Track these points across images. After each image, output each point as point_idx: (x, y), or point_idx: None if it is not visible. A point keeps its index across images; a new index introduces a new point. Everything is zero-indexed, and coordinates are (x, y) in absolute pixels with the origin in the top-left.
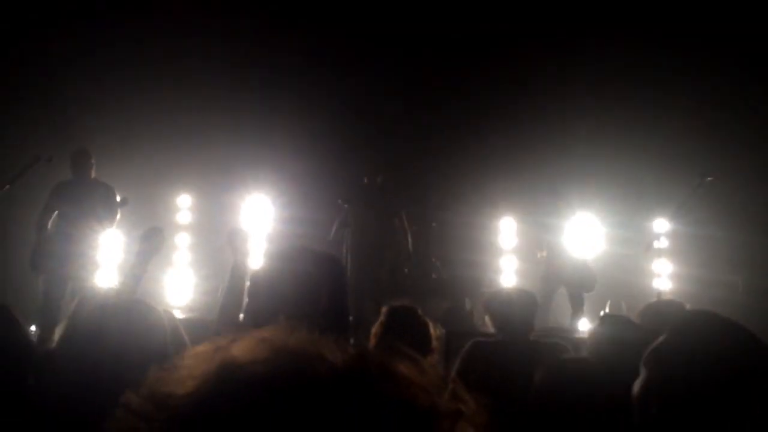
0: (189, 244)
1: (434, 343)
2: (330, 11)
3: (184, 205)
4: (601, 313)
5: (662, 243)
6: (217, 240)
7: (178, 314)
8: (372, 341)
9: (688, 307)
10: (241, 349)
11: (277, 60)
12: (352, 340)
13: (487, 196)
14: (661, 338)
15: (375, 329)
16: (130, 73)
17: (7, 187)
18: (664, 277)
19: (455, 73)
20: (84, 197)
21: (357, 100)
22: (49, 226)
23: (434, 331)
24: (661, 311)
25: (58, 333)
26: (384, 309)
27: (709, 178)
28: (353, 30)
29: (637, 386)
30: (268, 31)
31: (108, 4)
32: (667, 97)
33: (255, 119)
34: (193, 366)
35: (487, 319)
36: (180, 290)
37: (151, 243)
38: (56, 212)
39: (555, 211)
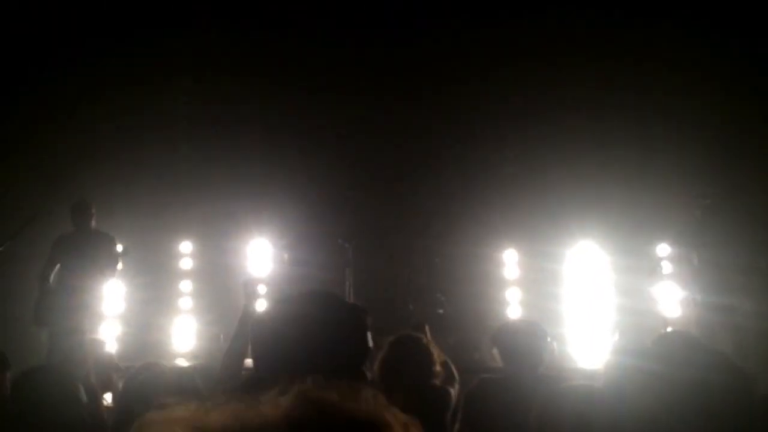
0: (191, 290)
1: (437, 368)
2: (327, 60)
3: (185, 251)
4: (613, 342)
5: (666, 268)
6: (220, 285)
7: (182, 361)
8: (378, 371)
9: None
10: None
11: (274, 106)
12: (368, 374)
13: (489, 227)
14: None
15: (379, 359)
16: (128, 120)
17: (8, 242)
18: (670, 302)
19: (452, 104)
20: (86, 248)
21: (354, 137)
22: (52, 278)
23: (438, 356)
24: (673, 344)
25: None
26: (389, 339)
27: (707, 201)
28: (348, 70)
29: None
30: (266, 81)
31: (102, 53)
32: (665, 119)
33: (254, 162)
34: None
35: (494, 352)
36: (184, 337)
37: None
38: (58, 265)
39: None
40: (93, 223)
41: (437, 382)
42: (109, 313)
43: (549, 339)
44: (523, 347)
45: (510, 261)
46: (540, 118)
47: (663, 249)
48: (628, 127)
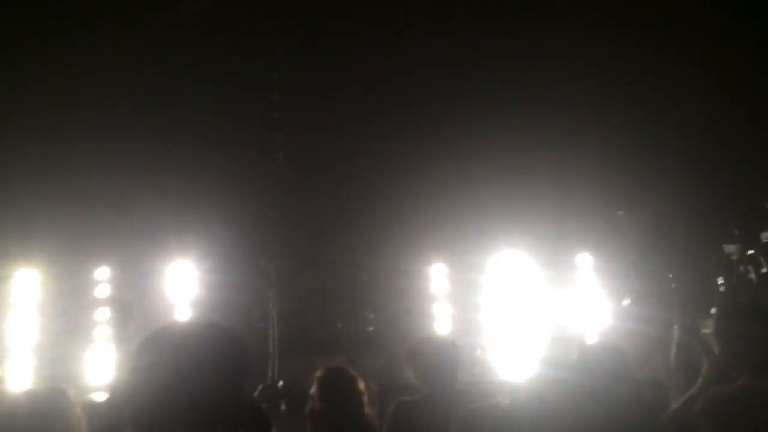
0: (109, 319)
1: (365, 398)
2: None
3: (102, 277)
4: (539, 353)
5: (589, 276)
6: (141, 312)
7: (100, 396)
8: (311, 407)
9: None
10: None
11: (193, 124)
12: (283, 405)
13: (416, 242)
14: None
15: (311, 397)
16: (36, 136)
17: None
18: (594, 311)
19: (374, 119)
20: None
21: (274, 155)
22: None
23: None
24: (594, 356)
25: None
26: (317, 374)
27: (619, 212)
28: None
29: None
30: (188, 97)
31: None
32: (585, 132)
33: (174, 181)
34: None
35: (411, 372)
36: (101, 369)
37: None
38: None
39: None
40: None
41: (367, 411)
42: (20, 345)
43: (466, 353)
44: (436, 365)
45: (437, 275)
46: (463, 129)
47: (584, 258)
48: (550, 138)
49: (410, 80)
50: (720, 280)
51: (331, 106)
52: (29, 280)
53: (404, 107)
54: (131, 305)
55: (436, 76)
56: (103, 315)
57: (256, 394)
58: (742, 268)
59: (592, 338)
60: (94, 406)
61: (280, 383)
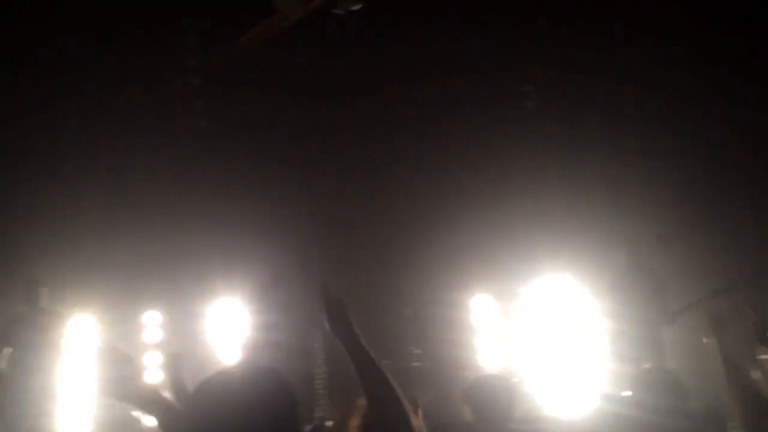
0: (160, 363)
1: None
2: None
3: (152, 322)
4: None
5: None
6: (191, 356)
7: None
8: None
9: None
10: None
11: (241, 160)
12: None
13: (458, 273)
14: None
15: (354, 423)
16: (84, 187)
17: None
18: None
19: (413, 152)
20: (38, 329)
21: (317, 193)
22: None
23: (416, 421)
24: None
25: None
26: (361, 404)
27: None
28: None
29: None
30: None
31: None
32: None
33: (222, 222)
34: None
35: (465, 409)
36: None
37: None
38: (9, 349)
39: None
40: (42, 302)
41: None
42: (69, 392)
43: (520, 392)
44: (492, 404)
45: (481, 306)
46: (503, 157)
47: None
48: (597, 160)
49: (453, 111)
50: None
51: (371, 141)
52: (84, 326)
53: (446, 138)
54: (180, 357)
55: (479, 106)
56: (153, 360)
57: None
58: None
59: (645, 368)
60: None
61: (329, 423)
